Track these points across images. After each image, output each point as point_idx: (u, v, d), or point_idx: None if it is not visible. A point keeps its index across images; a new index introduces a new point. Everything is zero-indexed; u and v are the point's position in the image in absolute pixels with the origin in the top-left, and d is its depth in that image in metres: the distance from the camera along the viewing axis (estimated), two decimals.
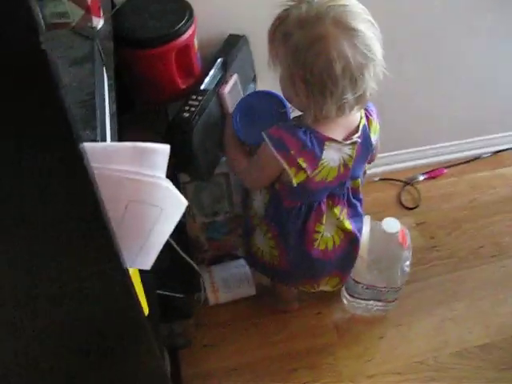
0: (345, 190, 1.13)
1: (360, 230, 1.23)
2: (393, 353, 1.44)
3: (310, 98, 0.94)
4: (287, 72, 0.96)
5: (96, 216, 0.51)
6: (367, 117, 1.07)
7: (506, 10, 1.49)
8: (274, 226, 1.17)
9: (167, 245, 1.16)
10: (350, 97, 0.92)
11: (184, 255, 1.23)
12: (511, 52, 1.62)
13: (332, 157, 1.02)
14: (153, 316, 0.98)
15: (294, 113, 1.12)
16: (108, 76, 0.88)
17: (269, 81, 1.30)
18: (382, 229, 1.24)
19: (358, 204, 1.20)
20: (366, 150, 1.08)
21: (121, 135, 0.92)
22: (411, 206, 1.78)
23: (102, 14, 1.01)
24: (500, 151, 1.95)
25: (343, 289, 1.49)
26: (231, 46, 1.22)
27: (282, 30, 0.93)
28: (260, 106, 1.11)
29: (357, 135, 1.03)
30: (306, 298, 1.53)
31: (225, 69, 1.17)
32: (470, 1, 1.44)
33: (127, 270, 0.60)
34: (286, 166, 1.00)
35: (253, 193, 1.21)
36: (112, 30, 1.02)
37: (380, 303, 1.45)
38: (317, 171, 1.01)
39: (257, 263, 1.33)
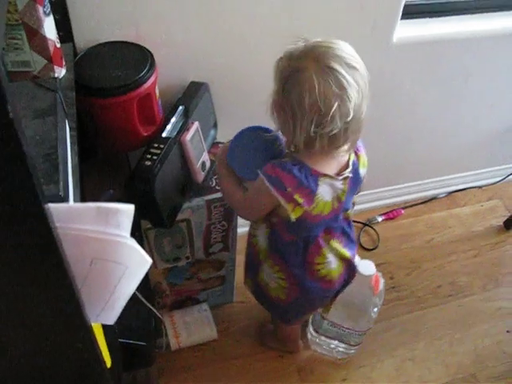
0: (339, 222, 1.16)
1: (354, 256, 1.26)
2: None
3: (286, 124, 0.98)
4: (272, 97, 1.00)
5: (60, 274, 0.51)
6: (355, 152, 1.11)
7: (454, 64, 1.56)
8: (279, 258, 1.19)
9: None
10: (317, 132, 0.95)
11: (146, 302, 1.21)
12: (463, 98, 1.69)
13: (326, 191, 1.05)
14: (115, 366, 0.96)
15: None
16: (70, 127, 0.89)
17: (229, 127, 1.33)
18: (358, 270, 1.25)
19: (351, 232, 1.24)
20: (355, 184, 1.12)
21: (83, 185, 0.92)
22: (370, 247, 1.81)
23: (64, 63, 1.02)
24: (455, 191, 2.02)
25: (309, 323, 1.50)
26: (192, 94, 1.24)
27: (279, 61, 0.99)
28: (255, 141, 1.11)
29: (348, 170, 1.07)
30: None
31: (186, 116, 1.18)
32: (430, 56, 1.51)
33: (91, 326, 0.59)
34: (283, 203, 1.02)
35: (255, 229, 1.22)
36: (74, 79, 1.03)
37: (343, 345, 1.46)
38: (313, 205, 1.04)
39: (264, 298, 1.32)
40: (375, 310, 1.34)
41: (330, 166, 1.05)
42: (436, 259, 1.80)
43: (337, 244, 1.18)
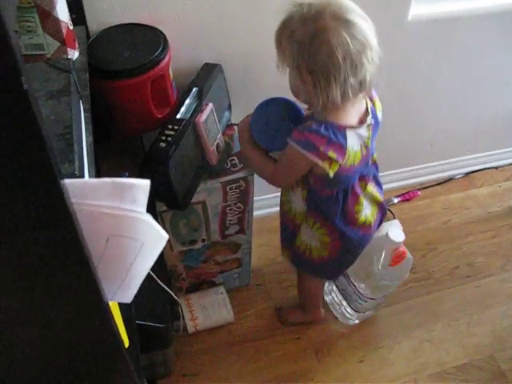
0: (369, 168, 1.21)
1: (382, 195, 1.31)
2: (373, 376, 1.44)
3: (317, 86, 1.00)
4: (294, 67, 1.02)
5: (76, 251, 0.51)
6: (370, 99, 1.16)
7: (471, 40, 1.54)
8: (319, 214, 1.22)
9: (147, 275, 1.16)
10: (352, 81, 0.99)
11: (162, 284, 1.22)
12: (478, 77, 1.67)
13: (354, 142, 1.09)
14: (133, 347, 0.97)
15: None
16: (84, 109, 0.89)
17: (243, 109, 1.32)
18: (388, 232, 1.28)
19: (378, 176, 1.30)
20: (376, 128, 1.17)
21: (98, 166, 0.92)
22: None
23: (77, 45, 1.02)
24: (471, 172, 2.00)
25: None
26: (206, 75, 1.23)
27: (287, 31, 1.00)
28: (276, 112, 1.15)
29: (369, 117, 1.12)
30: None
31: (200, 98, 1.17)
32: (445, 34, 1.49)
33: (107, 304, 0.59)
34: (320, 163, 1.05)
35: (288, 196, 1.26)
36: (87, 62, 1.03)
37: (349, 308, 1.49)
38: (346, 158, 1.07)
39: (304, 263, 1.34)
40: (384, 282, 1.33)
41: (351, 117, 1.09)
42: (453, 240, 1.78)
43: (371, 188, 1.25)
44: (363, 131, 1.10)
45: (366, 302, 1.41)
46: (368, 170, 1.21)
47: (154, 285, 1.22)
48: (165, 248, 1.31)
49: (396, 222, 1.37)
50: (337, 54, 0.95)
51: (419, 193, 1.92)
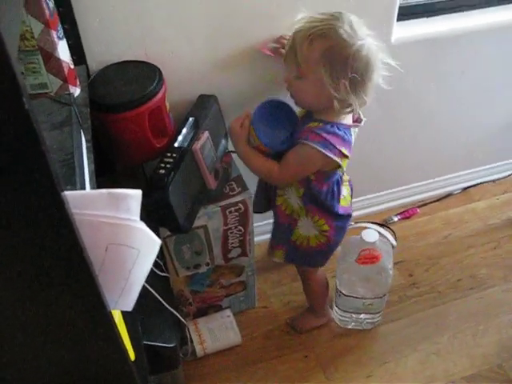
0: None
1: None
2: None
3: (353, 91, 1.13)
4: (330, 76, 1.12)
5: (79, 260, 0.55)
6: None
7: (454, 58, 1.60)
8: (320, 208, 1.30)
9: (154, 299, 1.21)
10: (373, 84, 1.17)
11: (170, 308, 1.26)
12: (466, 93, 1.73)
13: (353, 138, 1.23)
14: (141, 366, 1.00)
15: None
16: (86, 139, 0.95)
17: None
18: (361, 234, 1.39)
19: None
20: None
21: None
22: None
23: (78, 83, 1.09)
24: (469, 187, 2.04)
25: (333, 306, 1.60)
26: (202, 106, 1.29)
27: (324, 46, 1.10)
28: (275, 114, 1.23)
29: (362, 115, 1.25)
30: (292, 343, 1.56)
31: (196, 127, 1.23)
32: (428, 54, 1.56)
33: (110, 312, 0.63)
34: (337, 160, 1.17)
35: (285, 194, 1.32)
36: (88, 98, 1.10)
37: (364, 315, 1.55)
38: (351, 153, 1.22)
39: (300, 255, 1.41)
40: (352, 278, 1.44)
41: (350, 117, 1.23)
42: (454, 254, 1.81)
43: (345, 175, 1.36)
44: (357, 129, 1.26)
45: (339, 296, 1.49)
46: None
47: (162, 310, 1.26)
48: (170, 274, 1.37)
49: (381, 230, 1.44)
50: (371, 62, 1.13)
51: (418, 210, 1.96)
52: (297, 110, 1.27)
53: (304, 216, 1.33)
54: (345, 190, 1.36)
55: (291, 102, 1.24)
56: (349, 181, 1.41)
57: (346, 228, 1.38)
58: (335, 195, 1.29)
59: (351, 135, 1.21)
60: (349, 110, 1.18)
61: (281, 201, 1.34)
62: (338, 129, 1.18)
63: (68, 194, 0.51)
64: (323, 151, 1.16)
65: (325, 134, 1.16)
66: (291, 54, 1.15)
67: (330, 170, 1.23)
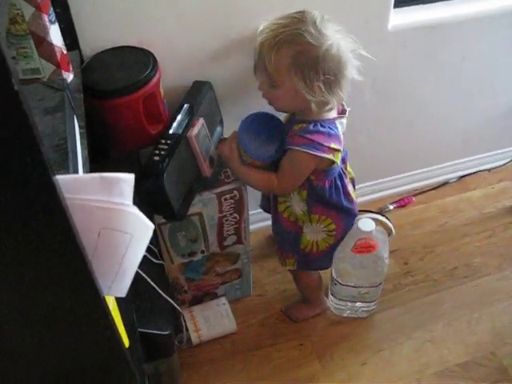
0: (345, 150, 1.31)
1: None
2: (376, 378, 1.47)
3: (328, 90, 1.12)
4: (303, 81, 1.11)
5: (71, 245, 0.54)
6: None
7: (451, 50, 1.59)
8: (325, 206, 1.30)
9: (149, 287, 1.20)
10: (349, 77, 1.16)
11: (165, 295, 1.25)
12: (463, 81, 1.72)
13: (340, 130, 1.22)
14: (135, 353, 1.00)
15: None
16: (80, 125, 0.94)
17: (235, 124, 1.38)
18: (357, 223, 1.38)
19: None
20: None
21: None
22: None
23: (71, 68, 1.08)
24: (465, 176, 2.04)
25: (329, 294, 1.59)
26: (196, 92, 1.28)
27: (291, 52, 1.09)
28: (259, 127, 1.22)
29: (346, 105, 1.25)
30: (287, 331, 1.56)
31: (191, 113, 1.22)
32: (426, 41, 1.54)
33: (104, 298, 0.63)
34: (329, 156, 1.17)
35: (286, 201, 1.32)
36: (81, 83, 1.09)
37: (360, 303, 1.55)
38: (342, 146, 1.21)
39: (312, 261, 1.42)
40: (347, 267, 1.43)
41: (334, 111, 1.22)
42: (450, 242, 1.81)
43: (349, 168, 1.37)
44: (344, 120, 1.25)
45: (335, 284, 1.49)
46: (345, 153, 1.31)
47: (157, 298, 1.25)
48: (165, 261, 1.36)
49: (379, 217, 1.45)
50: (343, 60, 1.12)
51: (414, 198, 1.95)
52: (281, 115, 1.28)
53: (308, 222, 1.32)
54: (350, 186, 1.36)
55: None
56: (352, 178, 1.40)
57: (351, 224, 1.38)
58: (340, 189, 1.29)
59: (337, 128, 1.20)
60: (327, 108, 1.17)
61: (283, 208, 1.34)
62: (322, 126, 1.17)
63: (60, 178, 0.51)
64: (311, 152, 1.15)
65: (308, 135, 1.16)
66: (261, 66, 1.15)
67: (326, 167, 1.22)
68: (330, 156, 1.17)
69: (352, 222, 1.37)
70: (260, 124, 1.22)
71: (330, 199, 1.28)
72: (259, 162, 1.23)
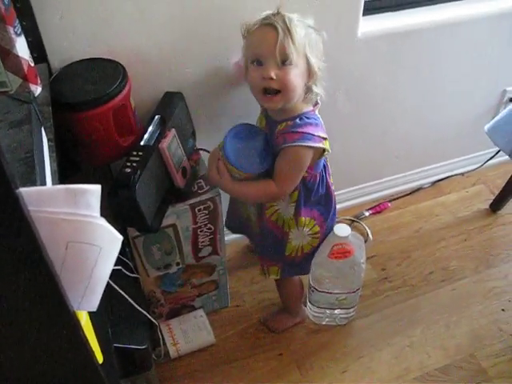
0: None
1: None
2: None
3: (317, 80, 1.17)
4: (313, 59, 1.15)
5: (38, 258, 0.53)
6: None
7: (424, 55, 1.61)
8: (309, 208, 1.31)
9: (124, 301, 1.19)
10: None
11: (141, 309, 1.24)
12: (435, 86, 1.74)
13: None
14: (110, 369, 0.98)
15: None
16: (48, 139, 0.92)
17: (207, 135, 1.37)
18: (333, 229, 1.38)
19: None
20: None
21: None
22: None
23: (39, 81, 1.06)
24: (439, 180, 2.06)
25: (307, 302, 1.59)
26: (168, 103, 1.28)
27: (303, 31, 1.12)
28: (240, 140, 1.21)
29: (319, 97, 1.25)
30: (266, 341, 1.55)
31: (163, 125, 1.21)
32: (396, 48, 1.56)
33: (74, 312, 0.62)
34: (321, 145, 1.19)
35: (274, 206, 1.31)
36: (50, 96, 1.07)
37: (339, 310, 1.55)
38: None
39: (297, 266, 1.42)
40: (323, 273, 1.43)
41: (311, 102, 1.23)
42: (426, 247, 1.82)
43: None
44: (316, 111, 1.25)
45: (313, 292, 1.49)
46: None
47: (133, 312, 1.24)
48: (141, 274, 1.35)
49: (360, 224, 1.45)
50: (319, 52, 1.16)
51: (389, 204, 1.97)
52: (255, 123, 1.29)
53: (295, 227, 1.32)
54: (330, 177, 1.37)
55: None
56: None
57: (333, 221, 1.39)
58: (325, 181, 1.30)
59: (319, 118, 1.23)
60: (308, 98, 1.20)
61: (271, 212, 1.32)
62: (307, 118, 1.19)
63: (23, 190, 0.49)
64: (307, 144, 1.16)
65: (299, 129, 1.17)
66: (271, 50, 1.10)
67: (318, 157, 1.23)
68: (321, 144, 1.19)
69: (333, 218, 1.39)
70: (241, 136, 1.21)
71: (316, 194, 1.29)
72: (252, 174, 1.20)
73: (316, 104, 1.25)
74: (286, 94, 1.15)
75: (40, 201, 0.52)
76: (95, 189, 0.53)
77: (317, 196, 1.30)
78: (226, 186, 1.23)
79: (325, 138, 1.20)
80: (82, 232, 0.55)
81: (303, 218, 1.31)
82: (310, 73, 1.16)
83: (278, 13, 1.13)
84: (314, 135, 1.17)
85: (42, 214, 0.52)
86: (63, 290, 0.58)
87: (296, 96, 1.17)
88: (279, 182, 1.21)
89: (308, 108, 1.22)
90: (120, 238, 0.57)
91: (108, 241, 0.57)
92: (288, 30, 1.09)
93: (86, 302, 0.63)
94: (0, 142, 0.44)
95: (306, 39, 1.12)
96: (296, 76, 1.13)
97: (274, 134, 1.20)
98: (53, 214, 0.53)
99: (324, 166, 1.29)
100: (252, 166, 1.19)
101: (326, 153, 1.22)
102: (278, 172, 1.21)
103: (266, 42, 1.11)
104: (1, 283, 0.54)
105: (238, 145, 1.20)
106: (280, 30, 1.09)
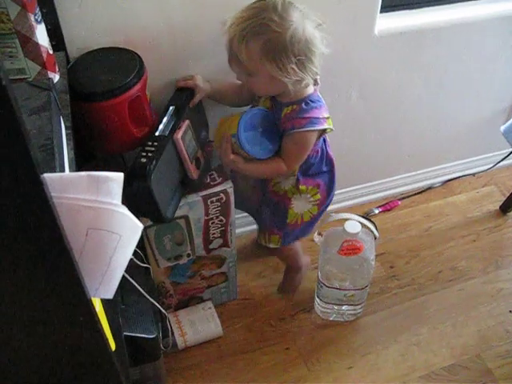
0: None
1: None
2: (363, 382, 1.47)
3: (303, 69, 1.16)
4: (276, 67, 1.14)
5: (58, 244, 0.53)
6: None
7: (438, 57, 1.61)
8: (311, 178, 1.35)
9: (135, 291, 1.19)
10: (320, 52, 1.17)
11: (151, 299, 1.24)
12: (449, 86, 1.73)
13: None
14: (121, 355, 0.99)
15: None
16: (66, 126, 0.93)
17: None
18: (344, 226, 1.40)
19: None
20: None
21: None
22: None
23: (57, 69, 1.07)
24: (450, 180, 2.05)
25: (315, 297, 1.59)
26: (182, 95, 1.27)
27: (261, 41, 1.11)
28: (258, 125, 1.25)
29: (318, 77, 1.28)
30: (273, 335, 1.56)
31: (177, 116, 1.21)
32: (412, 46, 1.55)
33: (90, 299, 0.62)
34: (326, 126, 1.24)
35: (278, 177, 1.35)
36: (67, 85, 1.08)
37: (346, 307, 1.55)
38: None
39: (296, 234, 1.46)
40: (333, 270, 1.44)
41: (311, 84, 1.25)
42: (435, 246, 1.82)
43: None
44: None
45: (321, 287, 1.50)
46: None
47: (143, 301, 1.24)
48: (151, 265, 1.35)
49: (365, 221, 1.44)
50: (310, 38, 1.13)
51: (399, 202, 1.96)
52: (261, 100, 1.30)
53: (297, 193, 1.35)
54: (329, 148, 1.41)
55: None
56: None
57: (332, 188, 1.42)
58: (325, 153, 1.34)
59: (321, 98, 1.26)
60: (303, 84, 1.19)
61: (274, 184, 1.36)
62: (312, 101, 1.22)
63: (46, 176, 0.50)
64: (314, 128, 1.22)
65: (306, 114, 1.21)
66: (234, 58, 1.18)
67: (321, 135, 1.28)
68: (326, 125, 1.24)
69: (333, 186, 1.41)
70: (253, 124, 1.24)
71: (317, 166, 1.33)
72: (265, 157, 1.26)
73: (316, 83, 1.27)
74: (257, 93, 1.27)
75: (62, 187, 0.52)
76: (118, 176, 0.54)
77: (319, 168, 1.34)
78: (241, 168, 1.28)
79: (328, 117, 1.24)
80: (102, 219, 0.56)
81: (304, 186, 1.35)
82: (284, 75, 1.15)
83: (263, 3, 1.14)
84: (319, 118, 1.22)
85: (63, 200, 0.52)
86: (81, 276, 0.59)
87: (273, 91, 1.23)
88: (288, 161, 1.27)
89: (310, 90, 1.24)
90: (141, 226, 0.58)
91: (128, 229, 0.57)
92: (243, 43, 1.12)
93: (103, 290, 0.63)
94: (24, 127, 0.44)
95: (264, 49, 1.12)
96: (262, 84, 1.20)
97: (281, 117, 1.24)
98: (74, 200, 0.53)
99: (324, 140, 1.32)
100: (265, 151, 1.25)
101: (329, 131, 1.26)
102: (287, 153, 1.26)
103: (228, 51, 1.19)
104: (21, 268, 0.54)
105: (250, 132, 1.23)
106: (235, 46, 1.14)
